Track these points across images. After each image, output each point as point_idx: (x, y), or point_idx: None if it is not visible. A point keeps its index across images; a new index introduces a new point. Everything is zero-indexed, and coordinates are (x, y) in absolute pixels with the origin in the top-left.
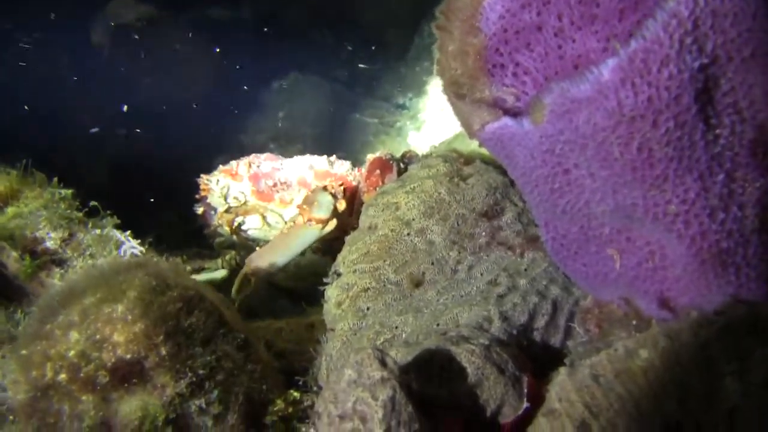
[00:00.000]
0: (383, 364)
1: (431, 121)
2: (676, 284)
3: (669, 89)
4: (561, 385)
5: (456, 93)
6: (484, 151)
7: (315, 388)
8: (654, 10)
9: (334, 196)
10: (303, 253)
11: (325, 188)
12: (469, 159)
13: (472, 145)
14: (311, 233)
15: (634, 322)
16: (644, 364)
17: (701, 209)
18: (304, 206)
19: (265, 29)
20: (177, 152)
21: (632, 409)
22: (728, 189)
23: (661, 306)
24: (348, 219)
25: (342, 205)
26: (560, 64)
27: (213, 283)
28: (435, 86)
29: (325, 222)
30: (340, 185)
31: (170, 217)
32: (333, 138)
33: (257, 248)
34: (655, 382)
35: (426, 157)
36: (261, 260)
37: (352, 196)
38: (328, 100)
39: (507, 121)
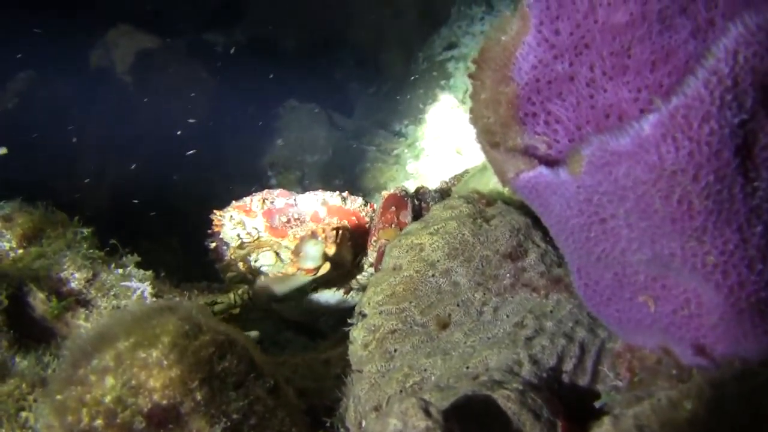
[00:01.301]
0: (428, 414)
1: (429, 149)
2: (712, 332)
3: (710, 144)
4: None
5: (489, 141)
6: (504, 191)
7: (342, 430)
8: (694, 67)
9: (333, 235)
10: (315, 289)
11: (314, 234)
12: (490, 200)
13: (490, 185)
14: (301, 281)
15: (674, 372)
16: (689, 415)
17: (739, 260)
18: (292, 257)
19: (263, 57)
20: (173, 181)
21: None
22: (766, 240)
23: (696, 353)
24: (356, 251)
25: (332, 250)
26: (592, 113)
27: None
28: (433, 114)
29: (314, 270)
30: (332, 229)
31: (172, 246)
32: (331, 165)
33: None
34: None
35: (444, 195)
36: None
37: (365, 233)
38: (326, 127)
39: (542, 170)
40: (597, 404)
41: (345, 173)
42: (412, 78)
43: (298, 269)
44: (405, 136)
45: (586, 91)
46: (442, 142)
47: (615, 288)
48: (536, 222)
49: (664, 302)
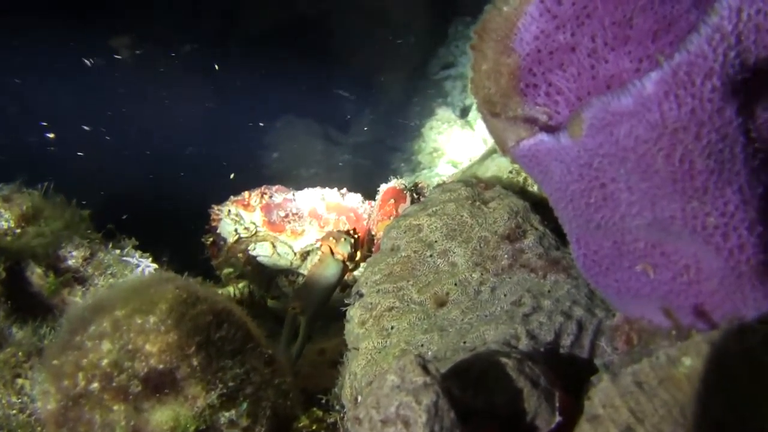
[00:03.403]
0: (426, 369)
1: (426, 163)
2: (712, 298)
3: (712, 102)
4: (604, 391)
5: (490, 111)
6: (503, 176)
7: (337, 407)
8: (698, 24)
9: (355, 241)
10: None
11: (348, 233)
12: (489, 184)
13: (489, 172)
14: (336, 263)
15: (674, 332)
16: (688, 371)
17: (740, 222)
18: (330, 239)
19: (260, 71)
20: (168, 191)
21: (678, 414)
22: (767, 202)
23: (696, 319)
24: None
25: (358, 255)
26: (593, 84)
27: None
28: (429, 129)
29: (346, 258)
30: (358, 237)
31: (167, 246)
32: (327, 179)
33: (282, 282)
34: (700, 388)
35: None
36: (304, 297)
37: (363, 229)
38: (322, 142)
39: (543, 136)
40: (594, 378)
41: (340, 187)
42: (410, 95)
43: (333, 252)
44: (402, 150)
45: (587, 62)
46: (438, 155)
47: (614, 257)
48: (535, 206)
49: (664, 269)
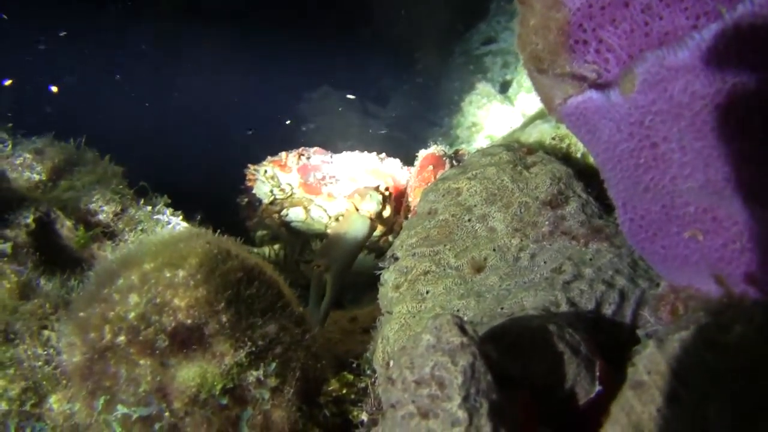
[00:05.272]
0: (463, 330)
1: (464, 137)
2: (765, 266)
3: None
4: (649, 358)
5: (537, 67)
6: (545, 142)
7: (368, 371)
8: None
9: (384, 198)
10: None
11: (377, 189)
12: (531, 149)
13: (531, 138)
14: (363, 220)
15: (724, 300)
16: (738, 339)
17: None
18: (356, 196)
19: (300, 43)
20: (202, 163)
21: (727, 382)
22: None
23: (748, 286)
24: (395, 217)
25: (387, 212)
26: (646, 42)
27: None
28: (467, 104)
29: (371, 216)
30: (390, 194)
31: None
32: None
33: (317, 246)
34: (751, 356)
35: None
36: (327, 254)
37: (401, 195)
38: (358, 114)
39: (592, 93)
40: (638, 347)
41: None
42: (450, 69)
43: (358, 210)
44: (440, 125)
45: (641, 18)
46: (477, 130)
47: (662, 222)
48: (578, 173)
49: (714, 235)
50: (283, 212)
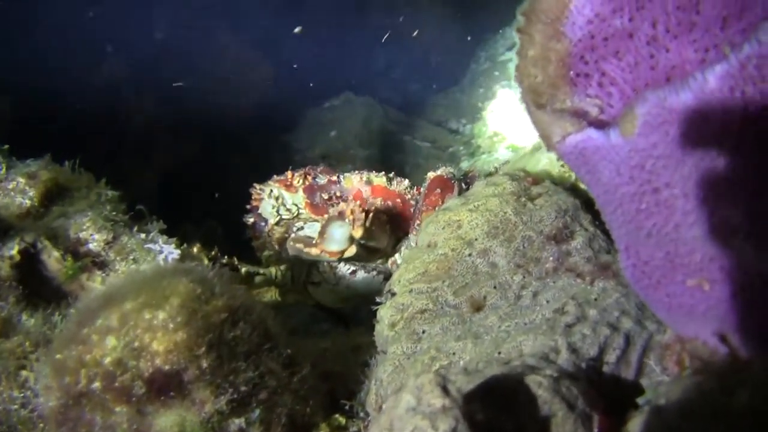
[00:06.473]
0: (445, 391)
1: (485, 146)
2: None
3: None
4: (647, 423)
5: (535, 102)
6: (553, 171)
7: (362, 414)
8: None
9: (363, 218)
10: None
11: (341, 215)
12: (537, 179)
13: (540, 165)
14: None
15: (730, 362)
16: (744, 405)
17: None
18: (318, 238)
19: (322, 47)
20: (223, 163)
21: None
22: None
23: (759, 344)
24: (398, 234)
25: (359, 233)
26: (651, 76)
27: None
28: (490, 112)
29: (339, 253)
30: (362, 210)
31: (211, 225)
32: (384, 159)
33: (333, 275)
34: (759, 427)
35: (491, 175)
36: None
37: (409, 216)
38: (381, 121)
39: (591, 132)
40: (640, 400)
41: (397, 168)
42: (472, 77)
43: (322, 251)
44: (462, 133)
45: (646, 50)
46: (499, 140)
47: (667, 269)
48: (586, 204)
49: (722, 285)
50: (297, 226)
